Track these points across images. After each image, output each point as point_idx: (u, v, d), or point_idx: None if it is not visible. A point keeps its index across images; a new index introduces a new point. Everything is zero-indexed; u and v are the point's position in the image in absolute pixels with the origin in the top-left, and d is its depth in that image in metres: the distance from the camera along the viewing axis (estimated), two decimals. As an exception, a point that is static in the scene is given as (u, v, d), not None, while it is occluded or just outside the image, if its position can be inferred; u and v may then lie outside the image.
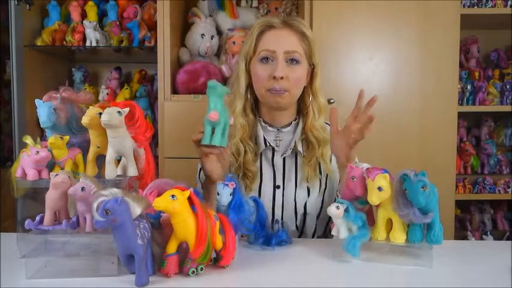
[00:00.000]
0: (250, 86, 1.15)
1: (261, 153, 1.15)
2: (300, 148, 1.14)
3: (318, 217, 1.16)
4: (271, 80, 1.07)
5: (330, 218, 1.08)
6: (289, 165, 1.15)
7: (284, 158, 1.15)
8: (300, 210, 1.13)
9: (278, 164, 1.15)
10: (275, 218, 1.13)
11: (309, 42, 1.11)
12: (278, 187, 1.14)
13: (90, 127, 0.79)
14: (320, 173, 1.15)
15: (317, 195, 1.14)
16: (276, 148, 1.15)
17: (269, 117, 1.17)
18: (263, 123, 1.17)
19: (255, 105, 1.18)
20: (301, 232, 1.16)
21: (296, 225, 1.14)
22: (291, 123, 1.17)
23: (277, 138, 1.16)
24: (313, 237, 1.17)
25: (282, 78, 1.06)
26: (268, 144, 1.14)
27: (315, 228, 1.17)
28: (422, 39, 1.84)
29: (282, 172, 1.15)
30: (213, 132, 0.93)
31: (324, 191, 1.16)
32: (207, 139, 0.92)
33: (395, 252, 0.82)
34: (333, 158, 1.17)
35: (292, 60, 1.08)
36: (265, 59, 1.09)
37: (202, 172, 1.17)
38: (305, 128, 1.14)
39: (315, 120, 1.14)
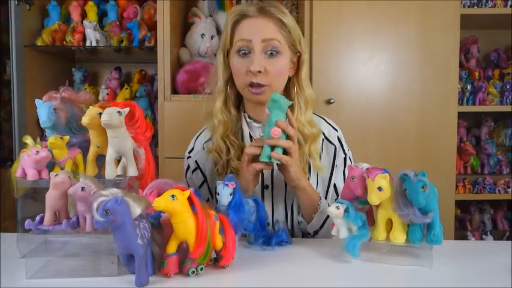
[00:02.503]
0: (231, 80, 1.08)
1: None
2: None
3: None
4: (249, 74, 1.00)
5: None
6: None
7: None
8: (294, 212, 1.08)
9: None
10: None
11: (288, 29, 1.03)
12: (267, 187, 1.09)
13: (90, 127, 0.79)
14: (309, 171, 1.08)
15: None
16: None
17: (253, 112, 1.10)
18: (248, 119, 1.11)
19: (239, 100, 1.11)
20: (291, 235, 1.09)
21: (287, 227, 1.09)
22: None
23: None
24: (303, 237, 1.11)
25: (259, 72, 0.99)
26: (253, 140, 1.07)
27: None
28: (422, 39, 1.84)
29: (270, 171, 1.07)
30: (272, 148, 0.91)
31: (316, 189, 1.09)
32: (267, 156, 0.91)
33: (395, 252, 0.82)
34: (324, 154, 1.12)
35: (272, 52, 1.01)
36: (242, 51, 1.01)
37: (195, 179, 1.13)
38: (291, 123, 1.08)
39: (301, 115, 1.06)
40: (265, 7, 1.03)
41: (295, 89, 1.08)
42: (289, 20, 1.04)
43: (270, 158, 0.91)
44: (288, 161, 0.93)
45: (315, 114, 1.14)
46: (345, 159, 1.13)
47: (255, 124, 1.11)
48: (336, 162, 1.12)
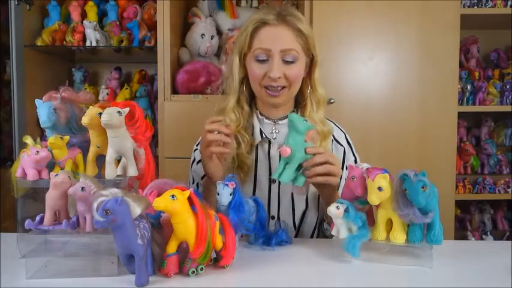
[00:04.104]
0: (246, 79, 1.12)
1: (257, 145, 1.12)
2: None
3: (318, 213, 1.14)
4: (267, 78, 1.05)
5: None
6: None
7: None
8: (300, 207, 1.11)
9: (274, 157, 1.11)
10: (271, 214, 1.11)
11: (306, 38, 1.07)
12: (274, 181, 1.11)
13: (90, 127, 0.79)
14: None
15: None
16: (272, 140, 1.12)
17: (265, 110, 1.15)
18: (259, 116, 1.15)
19: (251, 98, 1.16)
20: (298, 230, 1.13)
21: (294, 222, 1.12)
22: None
23: (274, 130, 1.13)
24: (312, 235, 1.14)
25: (279, 78, 1.04)
26: (264, 136, 1.12)
27: (315, 226, 1.14)
28: (422, 39, 1.84)
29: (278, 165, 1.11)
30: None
31: None
32: (277, 174, 0.91)
33: (395, 252, 0.82)
34: (334, 153, 1.14)
35: (289, 60, 1.05)
36: (260, 58, 1.05)
37: (199, 170, 1.15)
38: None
39: (313, 113, 1.11)
40: (284, 15, 1.06)
41: (308, 89, 1.12)
42: (306, 27, 1.07)
43: (279, 176, 0.90)
44: (328, 179, 0.94)
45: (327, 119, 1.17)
46: (355, 161, 1.16)
47: (266, 120, 1.14)
48: (346, 164, 1.14)
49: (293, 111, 1.15)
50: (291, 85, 1.07)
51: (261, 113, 1.15)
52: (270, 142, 1.13)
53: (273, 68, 1.03)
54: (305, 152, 0.90)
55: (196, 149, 1.18)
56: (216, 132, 0.96)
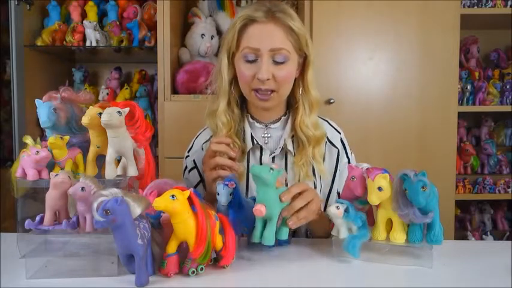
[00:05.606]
0: (235, 80, 1.06)
1: (248, 152, 1.07)
2: (290, 147, 1.06)
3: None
4: (255, 80, 0.99)
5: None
6: (279, 165, 1.01)
7: (273, 158, 1.06)
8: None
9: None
10: None
11: (297, 36, 1.00)
12: None
13: (90, 127, 0.79)
14: (314, 174, 1.06)
15: None
16: (264, 146, 1.07)
17: (256, 113, 1.10)
18: (250, 120, 1.09)
19: (241, 99, 1.09)
20: (293, 233, 1.06)
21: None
22: (280, 118, 1.10)
23: (266, 134, 1.09)
24: (306, 232, 1.10)
25: (268, 79, 0.98)
26: (255, 142, 1.06)
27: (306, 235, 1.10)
28: (422, 39, 1.84)
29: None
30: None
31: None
32: (257, 236, 0.83)
33: (395, 252, 0.82)
34: (326, 157, 1.10)
35: (280, 60, 0.98)
36: (249, 58, 0.99)
37: (192, 178, 1.12)
38: (294, 124, 1.06)
39: (305, 116, 1.05)
40: (274, 12, 0.99)
41: (300, 91, 1.07)
42: (297, 25, 1.00)
43: (260, 238, 0.83)
44: (309, 217, 0.89)
45: (318, 117, 1.12)
46: (348, 163, 1.11)
47: (257, 124, 1.09)
48: (339, 167, 1.11)
49: (285, 114, 1.11)
50: (280, 88, 1.01)
51: (252, 117, 1.10)
52: (261, 148, 1.08)
53: (262, 68, 0.97)
54: (280, 200, 0.83)
55: (188, 156, 1.15)
56: (224, 155, 0.94)
